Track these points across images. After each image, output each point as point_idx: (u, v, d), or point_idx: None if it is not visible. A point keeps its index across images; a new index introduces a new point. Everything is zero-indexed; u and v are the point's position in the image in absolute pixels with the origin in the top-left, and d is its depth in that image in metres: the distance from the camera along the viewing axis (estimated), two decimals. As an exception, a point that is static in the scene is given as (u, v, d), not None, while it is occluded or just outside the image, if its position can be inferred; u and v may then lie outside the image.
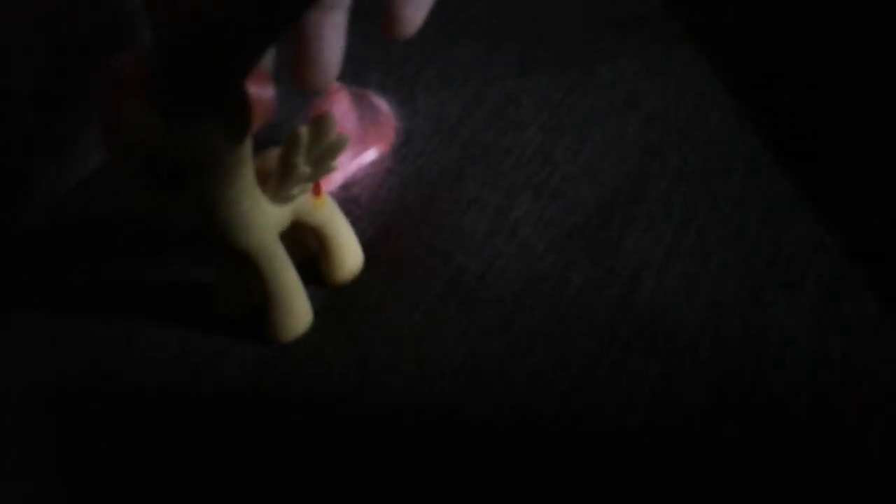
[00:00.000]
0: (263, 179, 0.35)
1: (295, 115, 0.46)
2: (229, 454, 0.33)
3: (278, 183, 0.34)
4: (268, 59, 0.32)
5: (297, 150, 0.33)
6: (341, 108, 0.44)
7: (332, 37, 0.30)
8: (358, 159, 0.45)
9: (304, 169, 0.34)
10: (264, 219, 0.35)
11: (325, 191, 0.39)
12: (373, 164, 0.45)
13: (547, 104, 0.49)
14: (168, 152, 0.31)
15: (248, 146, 0.33)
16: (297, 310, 0.37)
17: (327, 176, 0.42)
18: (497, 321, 0.37)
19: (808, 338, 0.35)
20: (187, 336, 0.38)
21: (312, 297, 0.38)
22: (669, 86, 0.49)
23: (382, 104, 0.46)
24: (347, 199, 0.43)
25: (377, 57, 0.53)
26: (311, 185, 0.36)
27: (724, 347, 0.35)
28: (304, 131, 0.33)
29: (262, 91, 0.32)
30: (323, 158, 0.34)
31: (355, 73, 0.51)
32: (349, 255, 0.40)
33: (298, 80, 0.30)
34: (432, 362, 0.36)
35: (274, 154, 0.36)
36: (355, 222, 0.41)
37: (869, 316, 0.36)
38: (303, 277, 0.37)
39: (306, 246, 0.40)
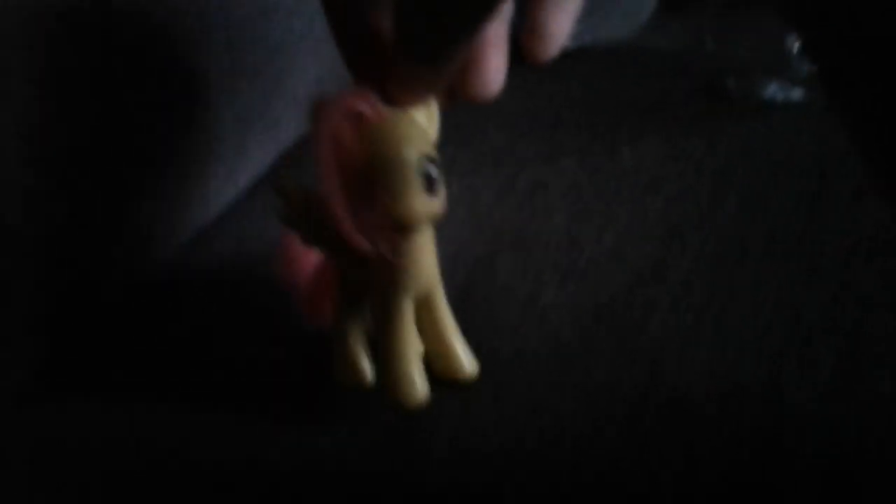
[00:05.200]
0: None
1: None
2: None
3: None
4: None
5: None
6: None
7: (497, 47, 0.31)
8: None
9: None
10: None
11: None
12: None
13: (573, 188, 0.49)
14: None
15: None
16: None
17: None
18: (528, 410, 0.37)
19: (824, 418, 0.34)
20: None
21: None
22: (688, 168, 0.49)
23: None
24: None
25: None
26: None
27: (743, 432, 0.34)
28: None
29: None
30: None
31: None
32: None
33: (465, 92, 0.32)
34: (468, 451, 0.36)
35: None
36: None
37: (884, 394, 0.35)
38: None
39: None
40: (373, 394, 0.38)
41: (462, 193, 0.50)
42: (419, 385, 0.36)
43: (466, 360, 0.38)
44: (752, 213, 0.45)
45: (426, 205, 0.32)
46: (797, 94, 0.52)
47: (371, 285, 0.36)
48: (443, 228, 0.47)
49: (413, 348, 0.36)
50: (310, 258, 0.39)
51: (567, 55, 0.32)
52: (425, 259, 0.36)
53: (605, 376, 0.38)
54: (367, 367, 0.38)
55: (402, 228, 0.33)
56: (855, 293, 0.40)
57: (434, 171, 0.32)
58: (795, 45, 0.51)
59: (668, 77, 0.57)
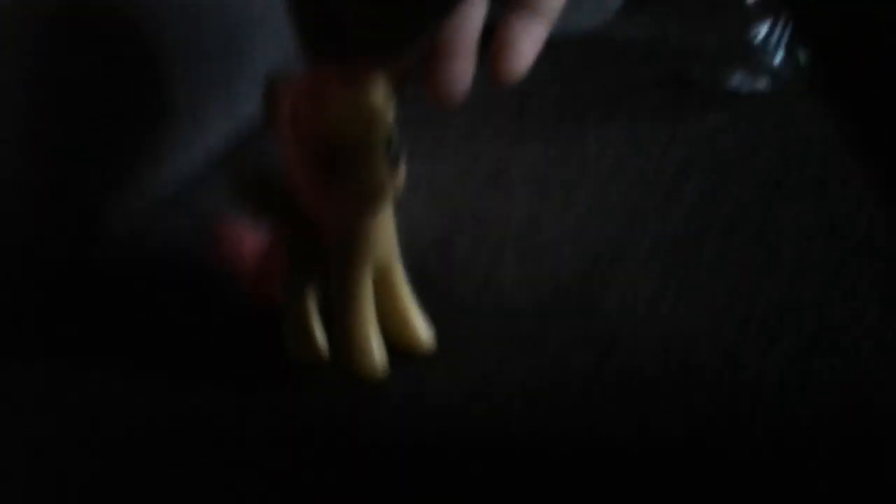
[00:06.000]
0: None
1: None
2: None
3: None
4: None
5: None
6: None
7: (461, 55, 0.32)
8: None
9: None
10: None
11: None
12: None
13: (535, 172, 0.48)
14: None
15: None
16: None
17: None
18: (480, 380, 0.36)
19: (778, 400, 0.34)
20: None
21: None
22: (652, 154, 0.48)
23: None
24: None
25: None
26: None
27: (697, 407, 0.34)
28: None
29: None
30: None
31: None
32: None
33: (429, 94, 0.32)
34: (421, 429, 0.35)
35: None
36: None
37: (837, 374, 0.35)
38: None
39: None
40: (328, 367, 0.37)
41: (422, 174, 0.48)
42: (377, 357, 0.35)
43: (423, 331, 0.37)
44: (713, 198, 0.44)
45: (391, 179, 0.33)
46: (762, 83, 0.52)
47: (327, 258, 0.36)
48: (402, 208, 0.46)
49: (372, 322, 0.36)
50: (251, 242, 0.38)
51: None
52: (384, 230, 0.36)
53: (559, 351, 0.37)
54: (322, 339, 0.37)
55: (369, 202, 0.34)
56: (813, 277, 0.39)
57: (397, 146, 0.33)
58: (760, 35, 0.51)
59: (635, 66, 0.56)
